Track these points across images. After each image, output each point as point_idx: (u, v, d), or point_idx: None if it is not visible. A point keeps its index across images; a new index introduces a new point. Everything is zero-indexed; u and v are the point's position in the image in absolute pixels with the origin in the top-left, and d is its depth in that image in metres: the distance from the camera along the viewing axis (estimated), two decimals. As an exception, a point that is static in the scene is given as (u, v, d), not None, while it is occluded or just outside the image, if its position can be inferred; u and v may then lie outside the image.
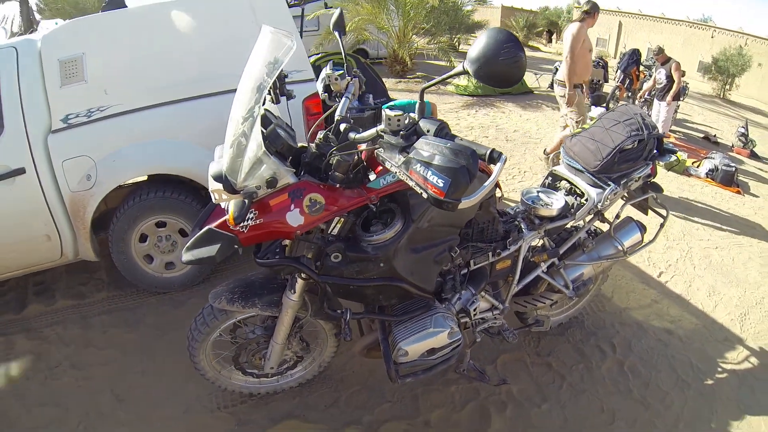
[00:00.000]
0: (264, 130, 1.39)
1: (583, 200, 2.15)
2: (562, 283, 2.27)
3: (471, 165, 1.11)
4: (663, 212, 2.45)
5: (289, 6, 3.80)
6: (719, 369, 2.56)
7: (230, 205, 1.44)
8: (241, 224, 1.43)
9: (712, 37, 17.61)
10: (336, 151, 1.42)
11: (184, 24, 2.69)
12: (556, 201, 2.09)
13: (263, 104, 1.39)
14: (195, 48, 2.69)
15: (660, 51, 6.74)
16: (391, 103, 1.86)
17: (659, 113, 6.58)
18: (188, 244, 1.50)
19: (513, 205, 2.23)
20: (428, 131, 1.28)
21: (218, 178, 1.39)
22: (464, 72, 1.22)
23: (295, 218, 1.45)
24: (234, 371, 2.07)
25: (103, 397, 2.20)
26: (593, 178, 2.17)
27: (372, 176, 1.53)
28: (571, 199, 2.17)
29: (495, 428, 2.12)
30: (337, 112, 1.60)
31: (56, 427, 2.06)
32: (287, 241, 1.64)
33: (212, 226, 1.46)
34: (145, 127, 2.60)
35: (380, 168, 1.51)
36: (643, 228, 2.42)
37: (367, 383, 2.30)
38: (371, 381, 2.31)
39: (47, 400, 2.19)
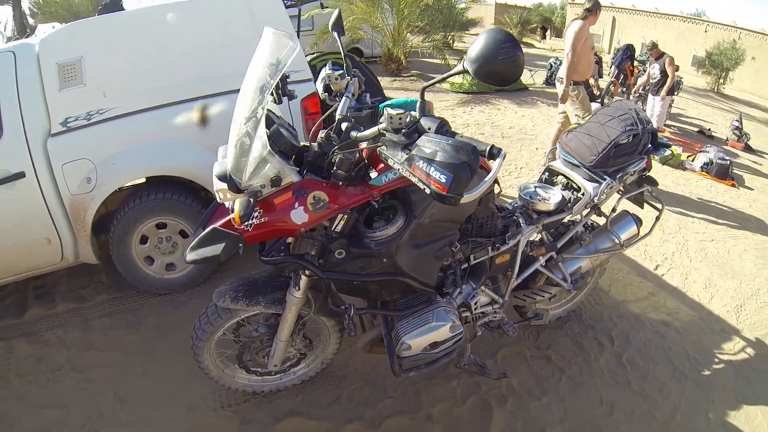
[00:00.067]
0: (267, 130, 1.41)
1: (579, 195, 2.18)
2: (561, 276, 2.30)
3: (472, 161, 1.14)
4: (658, 205, 2.49)
5: (286, 7, 3.80)
6: (716, 360, 2.59)
7: (235, 204, 1.47)
8: (246, 223, 1.45)
9: (706, 31, 17.66)
10: (338, 149, 1.44)
11: (182, 26, 2.69)
12: (553, 196, 2.12)
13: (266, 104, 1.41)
14: (193, 50, 2.70)
15: (654, 46, 6.77)
16: (388, 102, 1.88)
17: (654, 108, 6.61)
18: (192, 244, 1.51)
19: (510, 200, 2.26)
20: (429, 129, 1.31)
21: (223, 177, 1.41)
22: (464, 71, 1.24)
23: (299, 216, 1.47)
24: (237, 370, 2.08)
25: (105, 399, 2.21)
26: (589, 173, 2.20)
27: (373, 174, 1.56)
28: (568, 194, 2.20)
29: (496, 421, 2.14)
30: (338, 112, 1.62)
31: (58, 429, 2.07)
32: (291, 239, 1.65)
33: (217, 225, 1.48)
34: (144, 130, 2.60)
35: (381, 165, 1.54)
36: (639, 221, 2.46)
37: (369, 379, 2.32)
38: (373, 377, 2.33)
39: (49, 403, 2.19)
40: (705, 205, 4.74)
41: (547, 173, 2.37)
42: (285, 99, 1.71)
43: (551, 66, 10.61)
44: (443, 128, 1.31)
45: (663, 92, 6.44)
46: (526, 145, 6.07)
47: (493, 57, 1.18)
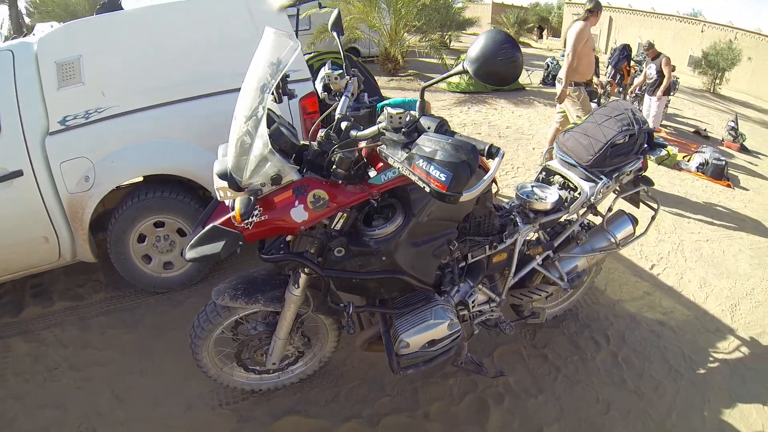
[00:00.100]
0: (268, 129, 1.41)
1: (576, 194, 2.20)
2: (557, 275, 2.32)
3: (471, 160, 1.16)
4: (654, 205, 2.50)
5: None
6: (711, 359, 2.61)
7: (236, 202, 1.47)
8: (246, 221, 1.45)
9: (702, 31, 17.75)
10: (338, 148, 1.45)
11: (181, 25, 2.70)
12: (550, 195, 2.13)
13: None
14: (192, 49, 2.70)
15: (650, 46, 6.80)
16: (386, 102, 1.89)
17: (650, 108, 6.64)
18: (192, 242, 1.52)
19: (508, 200, 2.27)
20: (429, 128, 1.32)
21: (223, 175, 1.42)
22: (464, 71, 1.25)
23: (299, 214, 1.48)
24: (236, 368, 2.09)
25: (103, 397, 2.21)
26: (586, 173, 2.21)
27: (372, 172, 1.57)
28: (564, 193, 2.22)
29: (493, 420, 2.16)
30: (338, 111, 1.63)
31: (56, 428, 2.07)
32: (291, 237, 1.66)
33: (216, 223, 1.49)
34: (142, 128, 2.60)
35: (381, 164, 1.55)
36: (635, 221, 2.47)
37: (366, 377, 2.33)
38: (371, 375, 2.34)
39: (47, 402, 2.19)
40: (700, 205, 4.77)
41: (544, 173, 2.38)
42: (285, 98, 1.72)
43: (548, 66, 10.65)
44: (443, 127, 1.32)
45: (659, 92, 6.47)
46: (522, 144, 6.09)
47: (493, 57, 1.19)
